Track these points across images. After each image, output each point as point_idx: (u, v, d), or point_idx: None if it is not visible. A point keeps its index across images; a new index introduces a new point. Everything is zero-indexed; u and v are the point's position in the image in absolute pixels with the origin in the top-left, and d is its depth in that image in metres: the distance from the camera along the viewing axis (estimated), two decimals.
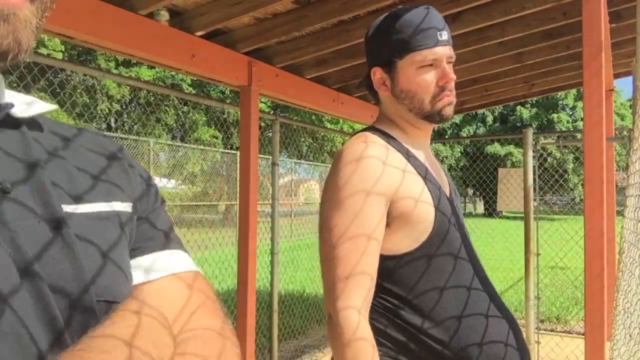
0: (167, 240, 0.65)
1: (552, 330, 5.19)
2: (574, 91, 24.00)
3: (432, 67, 1.19)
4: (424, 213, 1.14)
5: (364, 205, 1.10)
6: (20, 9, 0.49)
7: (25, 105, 0.59)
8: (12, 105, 0.55)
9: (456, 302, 1.15)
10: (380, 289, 1.16)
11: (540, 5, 2.66)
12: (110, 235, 0.57)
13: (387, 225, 1.14)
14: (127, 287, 0.57)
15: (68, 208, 0.54)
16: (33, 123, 0.59)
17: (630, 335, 1.73)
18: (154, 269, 0.62)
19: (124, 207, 0.61)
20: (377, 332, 1.14)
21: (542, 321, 5.22)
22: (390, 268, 1.15)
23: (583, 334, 2.19)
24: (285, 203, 14.29)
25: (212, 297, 0.65)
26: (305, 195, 16.79)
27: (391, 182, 1.13)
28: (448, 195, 1.25)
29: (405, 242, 1.15)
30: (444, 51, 1.19)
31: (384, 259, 1.15)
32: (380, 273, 1.14)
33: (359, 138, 1.21)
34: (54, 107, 0.62)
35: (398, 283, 1.15)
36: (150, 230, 0.65)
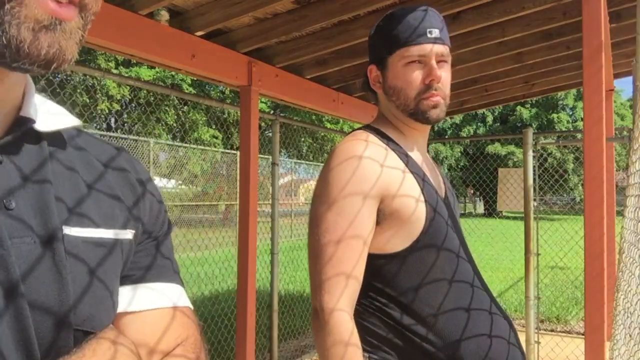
0: (162, 272, 0.65)
1: (552, 330, 5.19)
2: (574, 91, 23.99)
3: (420, 64, 1.18)
4: (421, 214, 1.14)
5: (357, 205, 1.10)
6: (69, 21, 0.51)
7: (51, 117, 0.59)
8: (33, 122, 0.55)
9: (452, 304, 1.13)
10: (371, 288, 1.15)
11: (540, 5, 2.65)
12: (104, 264, 0.57)
13: (378, 223, 1.13)
14: (109, 317, 0.57)
15: (67, 230, 0.54)
16: (56, 137, 0.59)
17: (630, 335, 1.73)
18: (143, 299, 0.61)
19: (126, 234, 0.61)
20: (367, 332, 1.14)
21: (542, 321, 5.22)
22: (380, 267, 1.15)
23: (583, 334, 2.19)
24: (285, 203, 14.29)
25: (195, 335, 0.64)
26: (305, 195, 16.78)
27: (388, 182, 1.12)
28: (443, 197, 1.25)
29: (397, 241, 1.14)
30: (432, 48, 1.18)
31: (374, 257, 1.14)
32: (371, 272, 1.14)
33: (356, 136, 1.20)
34: (78, 122, 0.62)
35: (388, 282, 1.15)
36: (148, 260, 0.64)
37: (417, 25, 1.18)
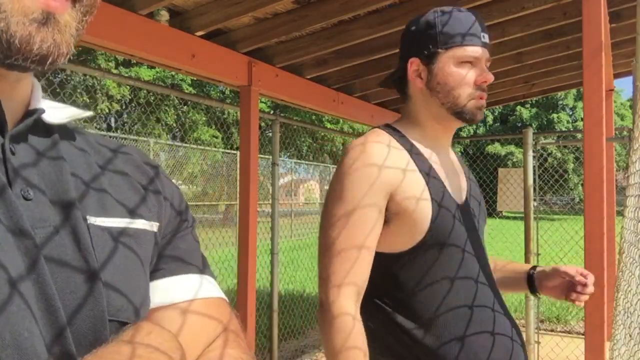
0: (190, 264, 0.63)
1: (552, 330, 5.19)
2: (574, 91, 23.99)
3: (471, 65, 1.21)
4: (424, 212, 1.14)
5: (363, 206, 1.11)
6: (60, 13, 0.49)
7: (58, 111, 0.58)
8: (42, 111, 0.54)
9: (454, 308, 1.13)
10: (376, 288, 1.15)
11: (540, 5, 2.66)
12: (131, 254, 0.56)
13: (386, 221, 1.14)
14: (144, 308, 0.56)
15: (92, 220, 0.53)
16: (65, 130, 0.58)
17: (630, 335, 1.73)
18: (174, 293, 0.60)
19: (150, 226, 0.60)
20: (368, 335, 1.13)
21: (542, 321, 5.22)
22: (386, 267, 1.15)
23: (583, 334, 2.19)
24: (285, 203, 14.29)
25: (234, 326, 0.63)
26: (305, 195, 16.80)
27: (391, 182, 1.13)
28: (464, 198, 1.24)
29: (403, 240, 1.15)
30: (485, 53, 1.22)
31: (382, 257, 1.15)
32: (377, 272, 1.14)
33: (372, 137, 1.21)
34: (88, 113, 0.61)
35: (392, 283, 1.15)
36: (175, 252, 0.63)
37: (474, 27, 1.21)
